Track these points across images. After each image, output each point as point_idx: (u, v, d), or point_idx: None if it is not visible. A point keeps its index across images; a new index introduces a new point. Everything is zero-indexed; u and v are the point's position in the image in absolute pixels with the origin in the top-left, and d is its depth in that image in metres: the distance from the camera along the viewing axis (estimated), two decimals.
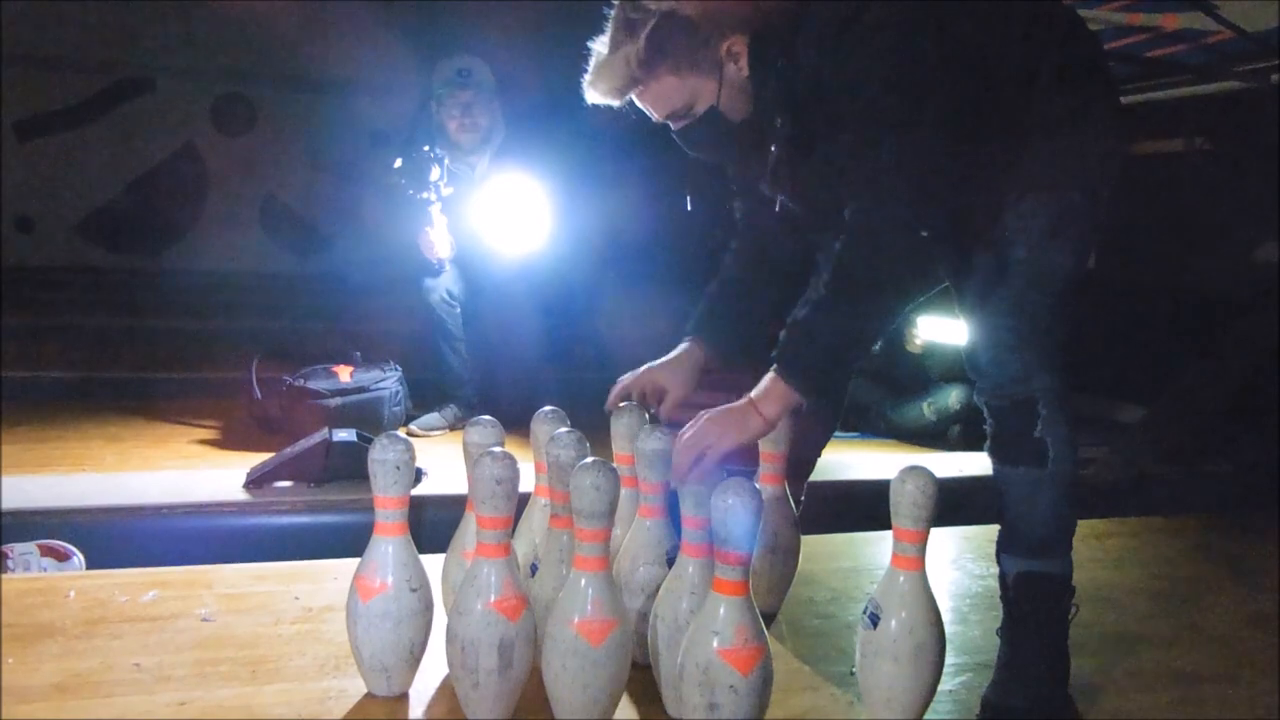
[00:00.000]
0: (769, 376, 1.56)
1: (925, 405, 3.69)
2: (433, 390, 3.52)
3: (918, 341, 3.72)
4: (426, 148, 3.33)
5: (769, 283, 1.92)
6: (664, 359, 1.87)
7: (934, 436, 3.67)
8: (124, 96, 6.18)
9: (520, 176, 3.34)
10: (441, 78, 3.39)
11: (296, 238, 6.51)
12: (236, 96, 6.38)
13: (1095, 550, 2.56)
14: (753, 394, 1.57)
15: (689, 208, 1.95)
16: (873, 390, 3.74)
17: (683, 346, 1.88)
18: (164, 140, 6.29)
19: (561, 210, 3.40)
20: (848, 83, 1.53)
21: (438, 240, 3.37)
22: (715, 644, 1.36)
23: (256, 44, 6.03)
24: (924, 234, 1.50)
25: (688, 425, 1.57)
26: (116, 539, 2.34)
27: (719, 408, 1.58)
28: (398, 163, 3.34)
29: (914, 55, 1.49)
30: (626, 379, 1.86)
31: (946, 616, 1.60)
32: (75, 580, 2.04)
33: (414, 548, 1.56)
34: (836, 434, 2.25)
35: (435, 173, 3.31)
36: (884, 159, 1.49)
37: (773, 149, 1.70)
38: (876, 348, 3.92)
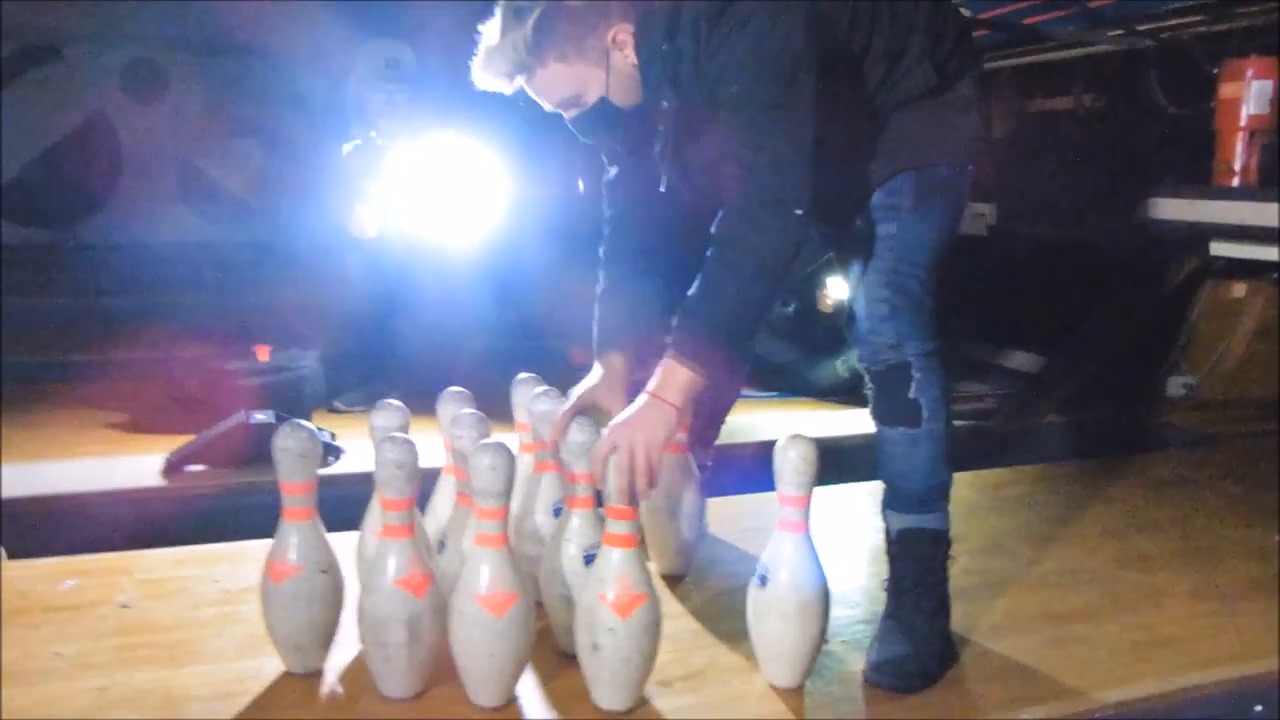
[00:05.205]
0: (664, 363, 1.60)
1: (839, 363, 3.79)
2: (356, 366, 3.53)
3: (829, 301, 3.82)
4: (373, 133, 3.31)
5: (651, 273, 1.92)
6: (592, 381, 1.84)
7: (849, 392, 3.77)
8: (28, 66, 5.97)
9: (440, 152, 3.34)
10: (369, 65, 3.35)
11: (216, 208, 6.39)
12: (147, 62, 6.19)
13: (990, 499, 2.69)
14: (650, 386, 1.60)
15: (581, 189, 1.99)
16: (788, 350, 3.83)
17: (599, 365, 1.86)
18: (73, 110, 6.10)
19: (482, 184, 3.41)
20: (722, 71, 1.58)
21: (368, 217, 3.36)
22: (599, 590, 1.49)
23: (164, 7, 5.85)
24: (798, 211, 1.56)
25: (602, 443, 1.57)
26: (34, 528, 2.34)
27: (622, 415, 1.59)
28: (346, 149, 3.32)
29: (783, 41, 1.55)
30: (568, 409, 1.74)
31: (843, 569, 1.70)
32: None
33: (322, 529, 1.62)
34: (755, 394, 2.32)
35: (386, 159, 3.30)
36: (758, 142, 1.56)
37: (660, 128, 1.76)
38: (790, 310, 3.99)
